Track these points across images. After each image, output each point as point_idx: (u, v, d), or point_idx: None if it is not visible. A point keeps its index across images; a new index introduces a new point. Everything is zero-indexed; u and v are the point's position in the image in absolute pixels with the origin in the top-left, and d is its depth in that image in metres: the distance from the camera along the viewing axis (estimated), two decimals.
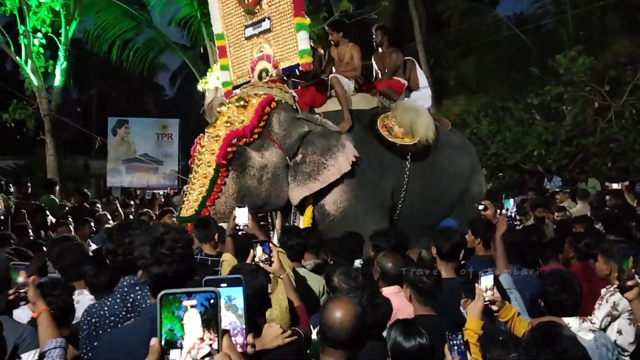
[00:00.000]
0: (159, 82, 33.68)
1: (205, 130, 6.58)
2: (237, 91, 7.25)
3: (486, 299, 3.27)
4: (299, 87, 7.67)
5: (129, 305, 3.21)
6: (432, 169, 7.50)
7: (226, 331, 1.27)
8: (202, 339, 1.23)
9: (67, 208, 10.18)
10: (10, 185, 10.24)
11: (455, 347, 2.83)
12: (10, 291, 3.08)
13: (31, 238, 6.89)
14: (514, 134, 15.46)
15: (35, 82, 12.91)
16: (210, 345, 1.24)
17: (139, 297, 3.22)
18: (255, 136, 6.47)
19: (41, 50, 12.89)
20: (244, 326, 1.51)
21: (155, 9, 16.05)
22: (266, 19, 7.22)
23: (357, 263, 4.88)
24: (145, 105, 31.65)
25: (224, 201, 6.25)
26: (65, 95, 20.94)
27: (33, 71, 12.78)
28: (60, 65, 13.25)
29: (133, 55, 16.11)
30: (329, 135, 6.80)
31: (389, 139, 7.30)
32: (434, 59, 22.31)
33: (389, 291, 3.92)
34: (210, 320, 1.24)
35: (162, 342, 1.24)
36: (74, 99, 30.83)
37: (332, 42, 7.89)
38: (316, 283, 4.59)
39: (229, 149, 6.24)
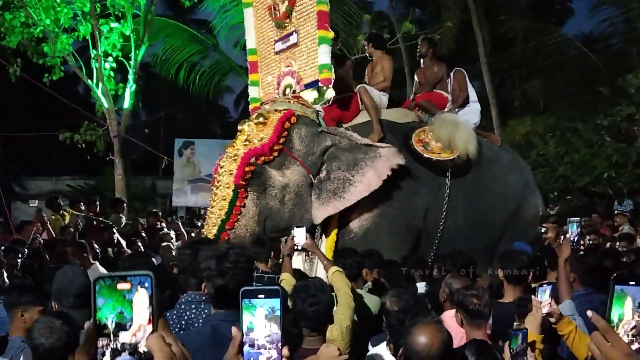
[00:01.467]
0: (224, 104, 34.36)
1: (225, 150, 6.29)
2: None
3: (544, 312, 3.20)
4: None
5: (183, 322, 3.27)
6: (477, 187, 6.93)
7: (161, 315, 1.26)
8: (150, 321, 1.22)
9: (130, 226, 10.42)
10: (82, 203, 10.58)
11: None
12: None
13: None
14: (583, 155, 14.99)
15: (105, 104, 13.33)
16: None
17: (193, 315, 3.29)
18: (275, 154, 6.08)
19: (112, 73, 13.31)
20: (281, 340, 1.47)
21: (220, 33, 16.42)
22: (294, 33, 6.85)
23: (422, 286, 4.77)
24: (210, 127, 32.24)
25: (244, 224, 5.96)
26: (134, 117, 21.60)
27: (104, 94, 13.21)
28: (130, 88, 13.64)
29: (199, 79, 16.49)
30: (356, 148, 6.29)
31: (424, 154, 6.75)
32: (498, 79, 22.01)
33: (453, 313, 3.80)
34: (148, 303, 1.24)
35: (112, 325, 1.22)
36: (143, 121, 31.77)
37: (369, 57, 7.62)
38: (373, 303, 4.52)
39: (247, 169, 5.92)
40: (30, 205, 20.63)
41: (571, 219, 4.92)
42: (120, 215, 10.62)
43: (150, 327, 1.22)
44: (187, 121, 31.39)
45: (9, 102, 19.03)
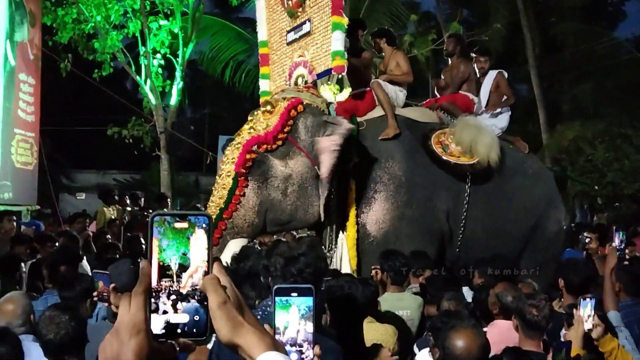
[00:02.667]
0: None
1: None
2: None
3: (586, 327, 3.13)
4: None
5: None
6: (498, 196, 6.60)
7: (217, 258, 1.21)
8: (207, 262, 1.17)
9: None
10: (126, 197, 10.75)
11: None
12: (95, 293, 3.49)
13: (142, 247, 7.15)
14: (633, 162, 14.63)
15: (153, 100, 13.52)
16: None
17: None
18: (279, 142, 5.83)
19: (159, 70, 13.49)
20: (314, 338, 1.43)
21: None
22: (307, 22, 6.59)
23: (466, 290, 4.70)
24: None
25: (243, 214, 5.75)
26: (180, 114, 21.85)
27: (151, 90, 13.40)
28: (177, 85, 13.81)
29: (244, 77, 16.58)
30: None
31: (443, 156, 6.44)
32: (547, 83, 21.62)
33: (505, 325, 3.70)
34: (205, 243, 1.18)
35: (176, 267, 1.16)
36: (188, 118, 32.13)
37: (376, 52, 7.30)
38: (414, 305, 4.46)
39: (248, 157, 5.71)
40: (77, 197, 21.13)
41: (618, 227, 4.80)
42: (165, 210, 10.75)
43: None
44: (232, 119, 31.61)
45: (59, 97, 19.44)
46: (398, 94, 6.90)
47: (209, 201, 6.01)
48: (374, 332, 3.56)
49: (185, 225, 1.17)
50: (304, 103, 6.00)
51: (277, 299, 1.40)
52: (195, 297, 1.14)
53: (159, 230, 1.16)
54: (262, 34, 7.38)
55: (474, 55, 7.44)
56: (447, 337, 2.67)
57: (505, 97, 7.30)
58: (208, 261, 1.17)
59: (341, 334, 3.08)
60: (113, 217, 9.91)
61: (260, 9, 7.38)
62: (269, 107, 5.98)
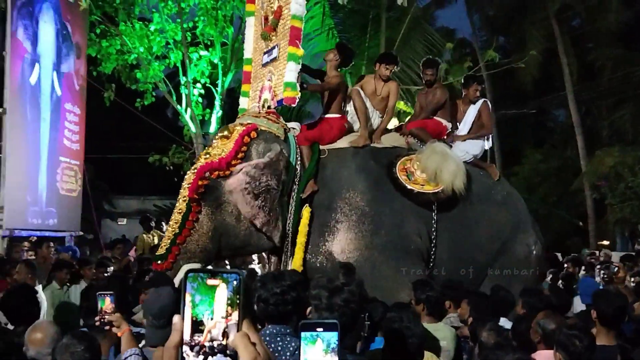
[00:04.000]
0: None
1: None
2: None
3: None
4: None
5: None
6: (462, 224, 6.52)
7: (246, 315, 1.23)
8: (227, 319, 1.21)
9: None
10: (162, 223, 10.93)
11: None
12: (96, 317, 3.44)
13: None
14: None
15: (193, 128, 13.75)
16: (235, 323, 1.21)
17: (280, 348, 3.25)
18: (233, 169, 5.82)
19: (199, 99, 13.73)
20: None
21: (304, 61, 16.63)
22: (276, 47, 6.60)
23: (504, 321, 4.67)
24: None
25: (196, 239, 5.75)
26: None
27: (191, 119, 13.64)
28: (216, 113, 14.03)
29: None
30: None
31: (407, 185, 6.33)
32: (585, 108, 21.41)
33: (548, 355, 3.68)
34: (235, 301, 1.22)
35: (208, 322, 1.20)
36: None
37: (382, 78, 6.96)
38: (448, 335, 4.44)
39: (200, 183, 5.72)
40: (119, 223, 21.48)
41: None
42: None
43: (226, 324, 1.21)
44: None
45: (103, 125, 19.91)
46: (376, 117, 6.83)
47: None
48: None
49: (217, 282, 1.22)
50: (259, 129, 6.05)
51: (303, 334, 1.44)
52: (227, 353, 1.19)
53: (192, 285, 1.21)
54: (247, 51, 7.41)
55: (474, 83, 7.28)
56: None
57: (483, 127, 7.16)
58: (239, 318, 1.22)
59: None
60: (152, 243, 10.10)
61: (249, 26, 7.41)
62: (226, 133, 6.04)
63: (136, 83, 13.59)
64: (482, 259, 6.54)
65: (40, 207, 11.22)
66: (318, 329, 1.44)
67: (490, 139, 7.27)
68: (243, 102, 7.30)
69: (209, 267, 5.03)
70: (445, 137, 7.12)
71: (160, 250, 5.83)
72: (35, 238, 10.25)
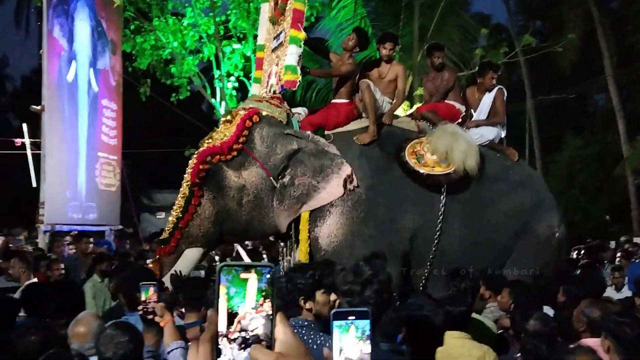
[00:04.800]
0: None
1: None
2: None
3: None
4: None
5: None
6: (476, 205, 6.21)
7: (279, 307, 1.25)
8: (258, 309, 1.22)
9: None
10: None
11: None
12: (139, 307, 3.53)
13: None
14: None
15: None
16: (267, 315, 1.22)
17: (306, 338, 3.23)
18: (234, 153, 5.78)
19: (234, 92, 13.79)
20: None
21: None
22: (283, 32, 6.50)
23: (547, 309, 4.58)
24: None
25: (199, 224, 5.74)
26: None
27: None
28: None
29: (315, 96, 16.76)
30: (322, 154, 5.90)
31: (415, 167, 6.06)
32: (626, 92, 20.90)
33: (594, 343, 3.56)
34: (267, 293, 1.23)
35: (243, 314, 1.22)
36: None
37: (383, 58, 6.75)
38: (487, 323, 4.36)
39: (202, 167, 5.70)
40: (157, 217, 21.76)
41: None
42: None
43: (258, 314, 1.22)
44: None
45: (139, 120, 20.17)
46: (386, 103, 6.64)
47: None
48: (468, 349, 3.53)
49: (250, 275, 1.23)
50: (261, 114, 5.96)
51: (335, 322, 1.44)
52: (261, 343, 1.21)
53: (227, 278, 1.22)
54: (260, 37, 7.31)
55: (490, 71, 7.00)
56: None
57: (497, 115, 6.90)
58: (272, 310, 1.23)
59: (415, 353, 3.08)
60: None
61: (263, 12, 7.27)
62: (229, 117, 5.99)
63: (171, 78, 13.70)
64: (500, 240, 6.18)
65: (80, 202, 11.43)
66: (350, 317, 1.45)
67: (505, 128, 6.97)
68: (254, 89, 7.22)
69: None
70: (459, 120, 6.88)
71: (164, 235, 5.85)
72: (76, 232, 10.44)
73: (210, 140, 5.90)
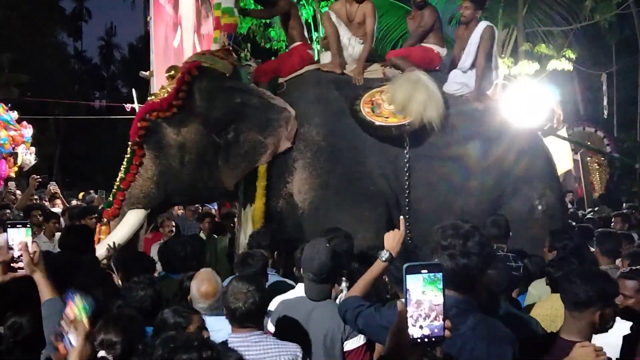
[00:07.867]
0: None
1: None
2: None
3: None
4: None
5: None
6: (447, 164, 5.63)
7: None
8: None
9: None
10: None
11: None
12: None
13: None
14: None
15: None
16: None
17: None
18: (174, 110, 5.49)
19: None
20: (444, 312, 1.57)
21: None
22: None
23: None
24: None
25: (140, 184, 5.55)
26: None
27: None
28: None
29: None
30: (268, 107, 5.56)
31: (367, 117, 5.58)
32: None
33: None
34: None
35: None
36: None
37: None
38: None
39: (140, 124, 5.48)
40: None
41: None
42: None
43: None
44: None
45: None
46: (354, 44, 6.15)
47: None
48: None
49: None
50: (201, 67, 5.65)
51: (408, 276, 1.54)
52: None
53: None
54: None
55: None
56: None
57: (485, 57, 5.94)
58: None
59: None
60: None
61: None
62: (172, 72, 5.71)
63: (270, 42, 13.85)
64: (473, 211, 5.42)
65: None
66: (422, 271, 1.55)
67: (498, 73, 6.16)
68: (214, 47, 6.70)
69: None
70: (438, 66, 6.30)
71: (110, 198, 5.74)
72: None
73: (152, 97, 5.71)
